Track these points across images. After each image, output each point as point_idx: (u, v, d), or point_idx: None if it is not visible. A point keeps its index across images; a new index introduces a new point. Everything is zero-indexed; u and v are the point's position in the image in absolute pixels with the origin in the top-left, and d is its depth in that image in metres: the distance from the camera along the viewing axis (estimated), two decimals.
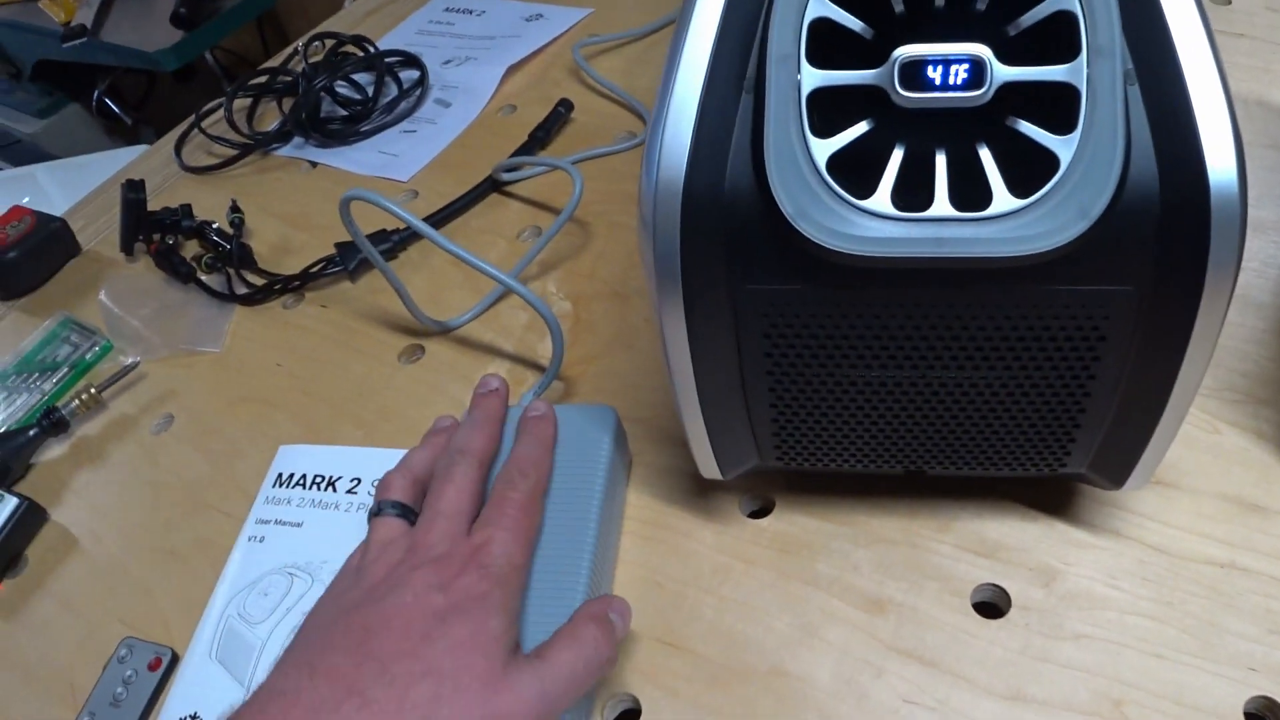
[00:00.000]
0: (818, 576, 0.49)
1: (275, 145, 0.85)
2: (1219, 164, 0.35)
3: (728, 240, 0.38)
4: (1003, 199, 0.36)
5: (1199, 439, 0.53)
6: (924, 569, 0.49)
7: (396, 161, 0.78)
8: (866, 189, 0.37)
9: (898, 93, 0.36)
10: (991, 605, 0.48)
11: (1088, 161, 0.35)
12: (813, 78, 0.37)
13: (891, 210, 0.36)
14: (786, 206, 0.36)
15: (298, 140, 0.84)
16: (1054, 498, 0.51)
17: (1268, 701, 0.44)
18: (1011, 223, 0.36)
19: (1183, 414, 0.41)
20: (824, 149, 0.36)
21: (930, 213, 0.36)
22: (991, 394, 0.41)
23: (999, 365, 0.40)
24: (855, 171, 0.37)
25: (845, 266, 0.37)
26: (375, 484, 0.58)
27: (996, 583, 0.48)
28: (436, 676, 0.39)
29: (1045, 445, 0.44)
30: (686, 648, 0.48)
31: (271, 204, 0.79)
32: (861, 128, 0.37)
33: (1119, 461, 0.45)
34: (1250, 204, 0.64)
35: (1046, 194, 0.36)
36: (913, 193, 0.36)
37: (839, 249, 0.36)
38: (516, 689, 0.40)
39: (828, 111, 0.37)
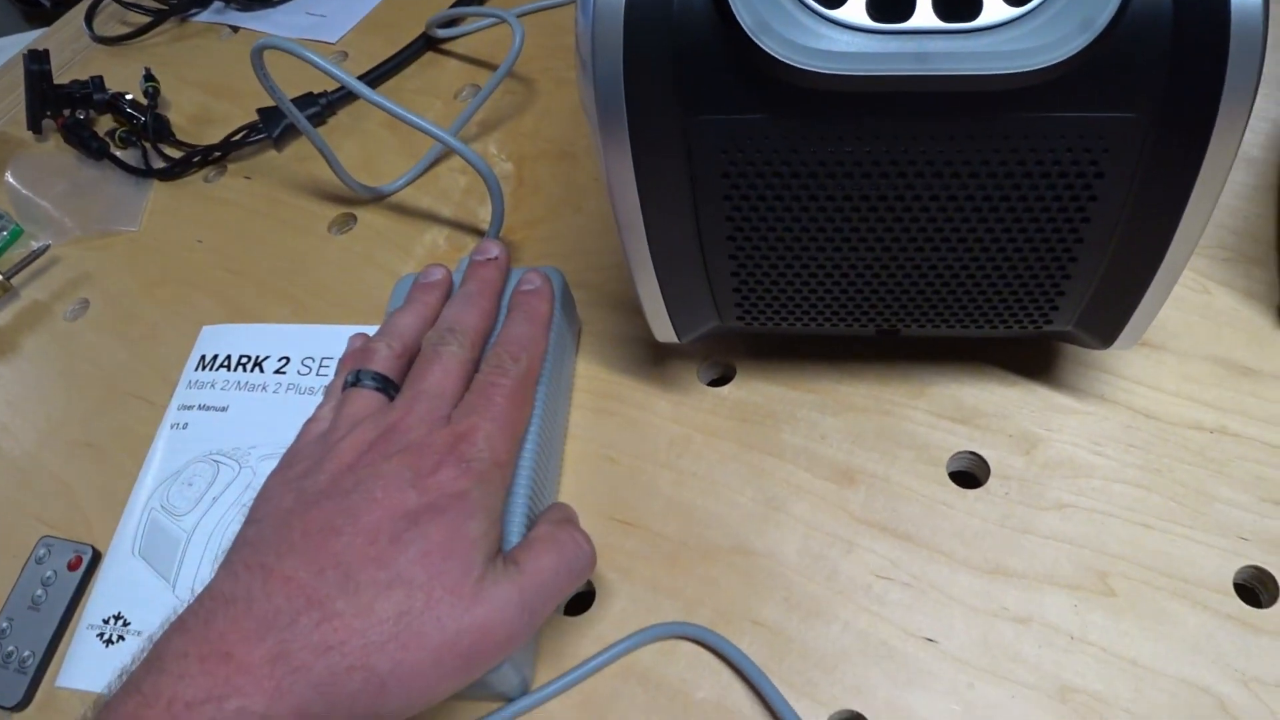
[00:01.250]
0: (783, 447, 0.46)
1: (193, 10, 0.78)
2: None
3: (677, 66, 0.34)
4: (994, 7, 0.32)
5: (1187, 299, 0.49)
6: (897, 437, 0.46)
7: (324, 22, 0.73)
8: None
9: None
10: (969, 475, 0.45)
11: None
12: None
13: (866, 21, 0.32)
14: (745, 19, 0.32)
15: (217, 4, 0.78)
16: (1035, 361, 0.47)
17: (1258, 572, 0.42)
18: (1004, 35, 0.32)
19: (1182, 264, 0.38)
20: None
21: (911, 24, 0.32)
22: (976, 239, 0.37)
23: (985, 205, 0.36)
24: None
25: (813, 89, 0.33)
26: (306, 361, 0.54)
27: (974, 451, 0.45)
28: (406, 587, 0.35)
29: (1032, 298, 0.40)
30: (643, 525, 0.44)
31: (190, 72, 0.73)
32: None
33: (1109, 318, 0.41)
34: None
35: (1044, 2, 0.32)
36: (891, 2, 0.32)
37: (806, 67, 0.32)
38: (494, 600, 0.36)
39: None
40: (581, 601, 0.43)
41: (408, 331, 0.46)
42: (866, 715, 0.39)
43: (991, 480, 0.44)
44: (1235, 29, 0.31)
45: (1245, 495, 0.43)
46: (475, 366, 0.44)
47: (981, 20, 0.32)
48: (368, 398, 0.43)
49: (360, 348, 0.46)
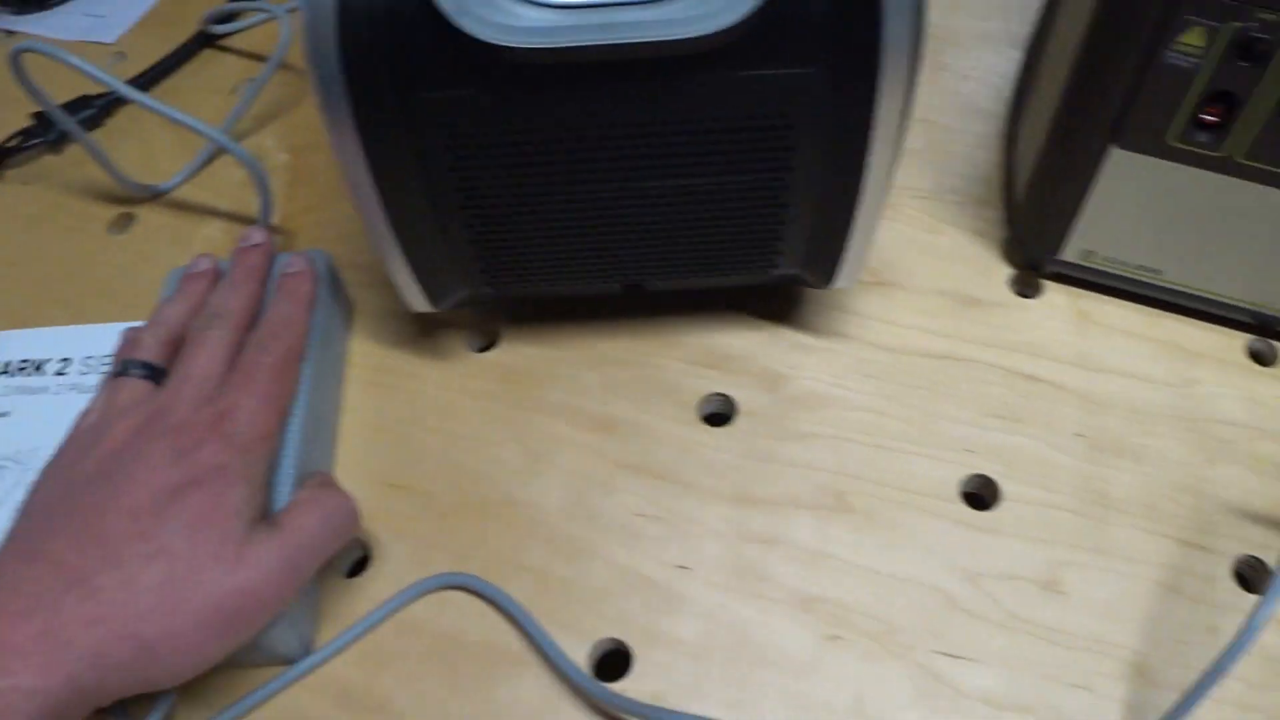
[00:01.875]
0: (545, 403, 0.48)
1: None
2: None
3: (392, 51, 0.36)
4: None
5: (919, 239, 0.53)
6: (652, 386, 0.49)
7: (102, 23, 0.72)
8: None
9: None
10: (720, 415, 0.49)
11: None
12: None
13: None
14: (446, 3, 0.34)
15: None
16: (780, 306, 0.51)
17: (983, 479, 0.46)
18: (681, 3, 0.35)
19: (879, 203, 0.41)
20: None
21: None
22: (691, 195, 0.40)
23: (691, 161, 0.39)
24: None
25: (514, 63, 0.35)
26: (88, 361, 0.54)
27: (724, 392, 0.48)
28: (168, 557, 0.36)
29: (754, 245, 0.43)
30: (415, 487, 0.46)
31: None
32: None
33: (827, 258, 0.44)
34: (977, 17, 0.65)
35: None
36: None
37: (503, 43, 0.34)
38: (258, 561, 0.37)
39: None
40: (359, 564, 0.45)
41: (174, 320, 0.47)
42: (626, 641, 0.42)
43: (739, 417, 0.47)
44: None
45: (969, 411, 0.47)
46: (241, 348, 0.45)
47: None
48: (134, 386, 0.44)
49: (126, 340, 0.47)
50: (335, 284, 0.50)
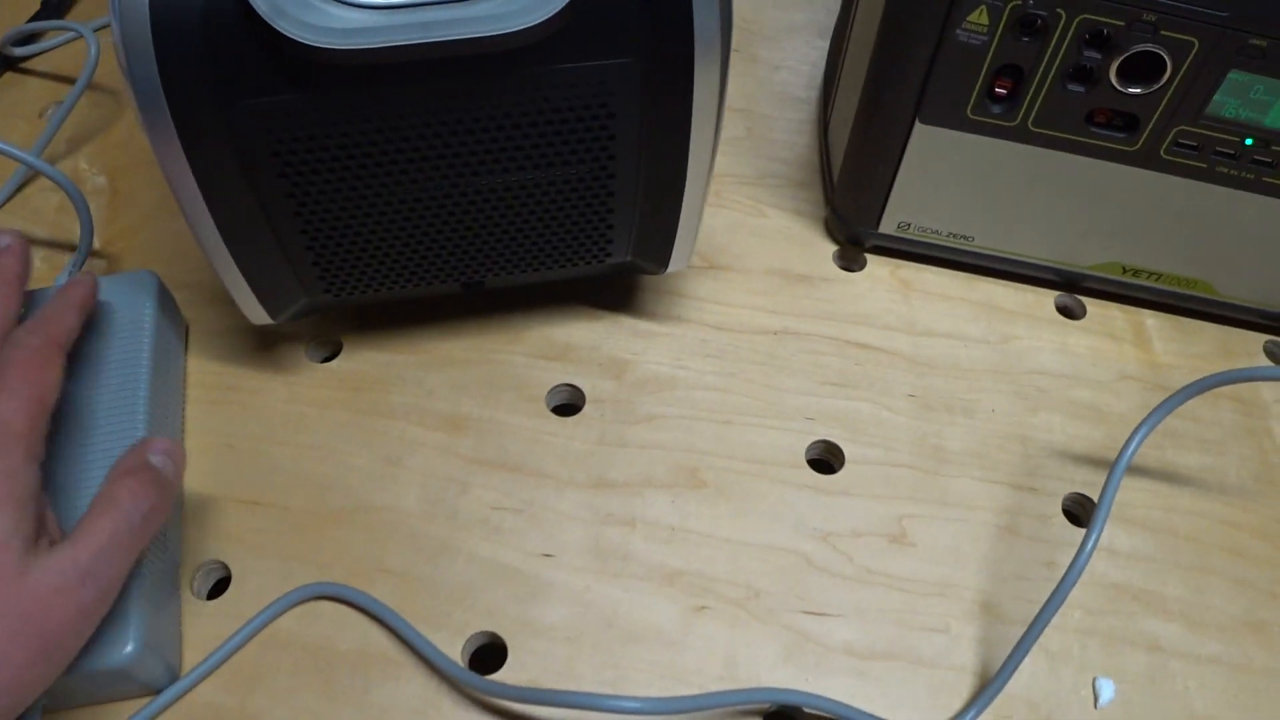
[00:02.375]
0: (393, 408, 0.48)
1: None
2: None
3: (210, 60, 0.35)
4: None
5: (746, 223, 0.55)
6: (498, 382, 0.49)
7: None
8: None
9: None
10: (569, 405, 0.50)
11: None
12: None
13: None
14: (261, 5, 0.34)
15: None
16: (617, 296, 0.52)
17: (827, 445, 0.48)
18: (496, 1, 0.36)
19: (703, 187, 0.43)
20: None
21: None
22: (522, 189, 0.41)
23: (518, 156, 0.40)
24: None
25: (332, 65, 0.35)
26: None
27: (570, 382, 0.49)
28: None
29: (587, 236, 0.44)
30: (269, 502, 0.46)
31: None
32: None
33: (658, 243, 0.46)
34: (784, 9, 0.68)
35: None
36: None
37: (321, 44, 0.34)
38: (46, 579, 0.35)
39: None
40: (220, 584, 0.44)
41: None
42: (499, 632, 0.42)
43: (587, 406, 0.49)
44: None
45: (807, 381, 0.50)
46: None
47: None
48: None
49: None
50: (165, 301, 0.49)
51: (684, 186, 0.42)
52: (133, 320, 0.47)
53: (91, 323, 0.46)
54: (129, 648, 0.38)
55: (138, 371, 0.45)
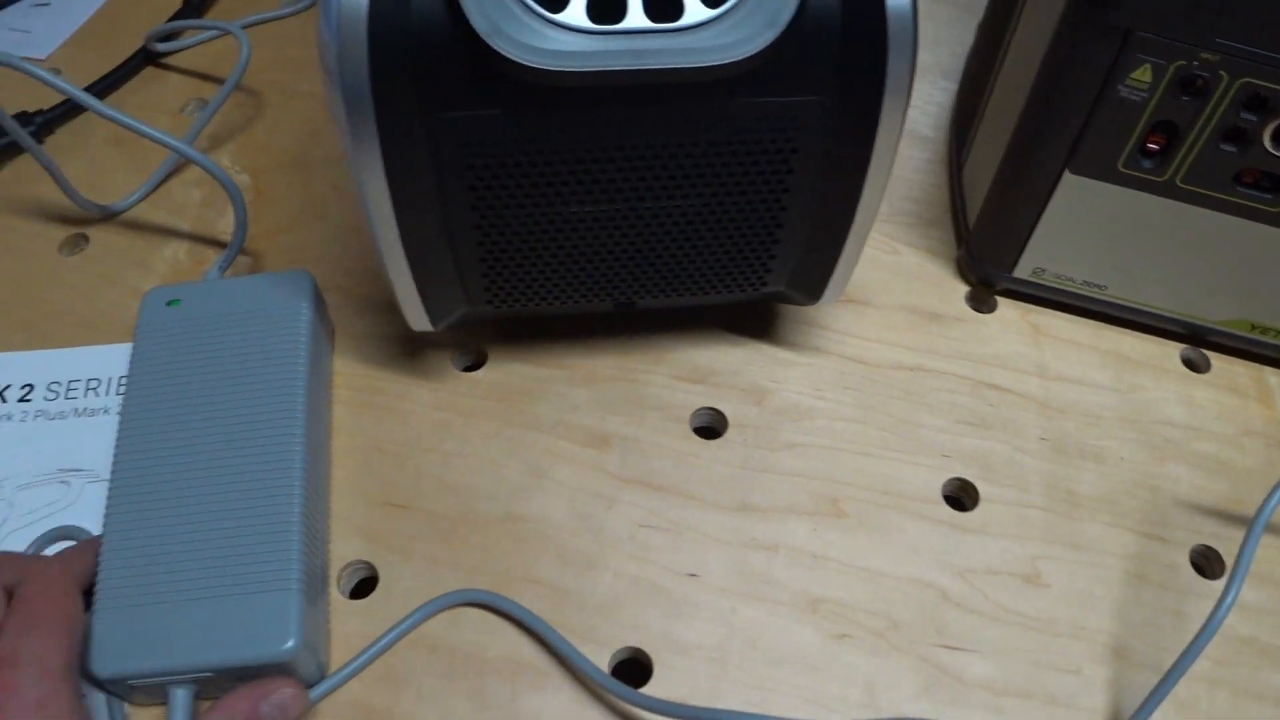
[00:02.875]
0: (540, 420, 0.49)
1: None
2: None
3: (419, 71, 0.36)
4: (695, 10, 0.36)
5: (881, 259, 0.56)
6: (642, 401, 0.50)
7: (30, 38, 0.70)
8: (560, 3, 0.36)
9: None
10: (710, 428, 0.50)
11: None
12: None
13: (586, 23, 0.36)
14: (479, 24, 0.35)
15: None
16: (757, 323, 0.53)
17: (961, 482, 0.49)
18: (705, 33, 0.37)
19: (870, 224, 0.44)
20: None
21: (625, 25, 0.36)
22: (696, 215, 0.42)
23: (701, 183, 0.41)
24: None
25: (542, 85, 0.36)
26: (53, 387, 0.53)
27: (712, 406, 0.50)
28: None
29: (749, 264, 0.45)
30: (416, 507, 0.47)
31: None
32: None
33: (815, 277, 0.47)
34: None
35: (736, 4, 0.37)
36: (607, 7, 0.36)
37: (535, 65, 0.35)
38: None
39: None
40: (362, 585, 0.45)
41: None
42: (644, 648, 0.43)
43: (730, 430, 0.49)
44: (891, 26, 0.37)
45: (943, 420, 0.50)
46: (7, 585, 0.40)
47: (685, 20, 0.36)
48: None
49: None
50: (318, 302, 0.50)
51: (851, 223, 0.43)
52: (289, 319, 0.48)
53: (249, 318, 0.47)
54: (290, 642, 0.39)
55: (295, 369, 0.46)
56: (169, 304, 0.48)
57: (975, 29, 0.65)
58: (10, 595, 0.39)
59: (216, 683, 0.40)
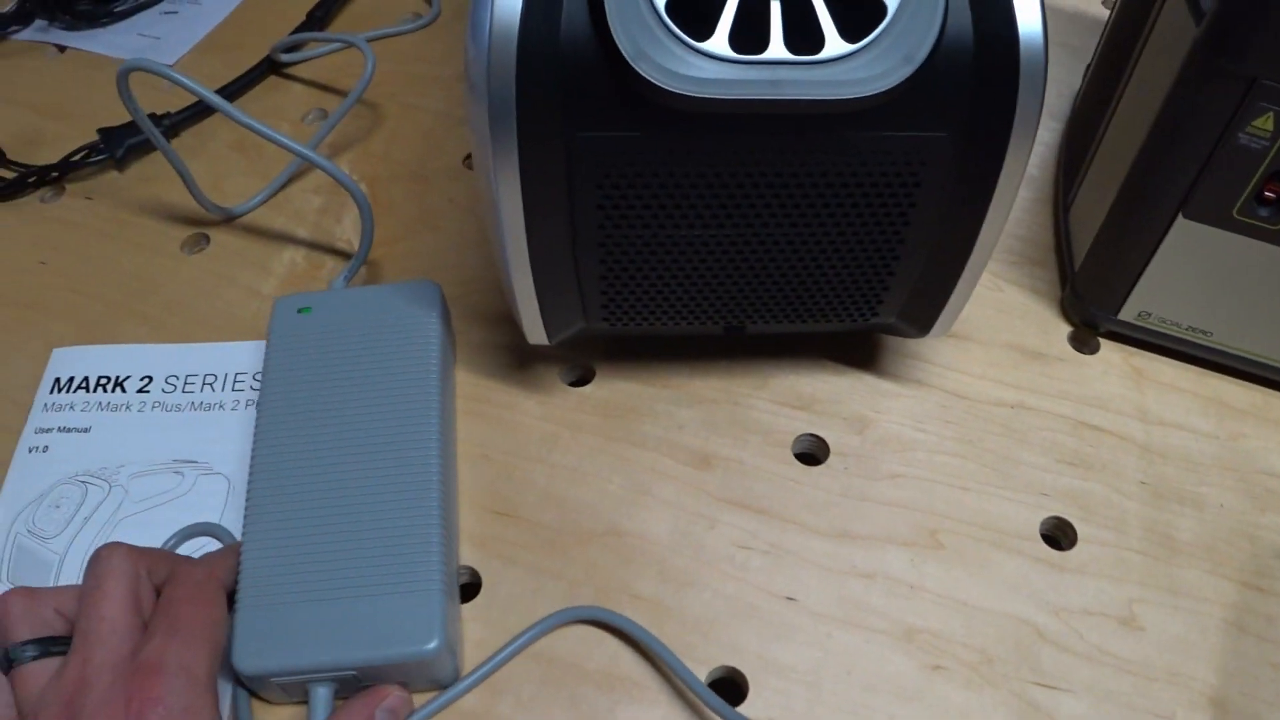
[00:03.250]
0: (644, 437, 0.50)
1: (13, 28, 0.76)
2: (1027, 19, 0.38)
3: (563, 90, 0.38)
4: (835, 43, 0.37)
5: (985, 296, 0.56)
6: (746, 424, 0.51)
7: (159, 45, 0.72)
8: (704, 32, 0.37)
9: None
10: (811, 455, 0.51)
11: (913, 9, 0.37)
12: None
13: (729, 53, 0.37)
14: (626, 48, 0.36)
15: (40, 23, 0.76)
16: (861, 353, 0.54)
17: (1059, 521, 0.49)
18: (843, 66, 0.37)
19: (985, 260, 0.44)
20: None
21: (766, 55, 0.37)
22: (816, 244, 0.43)
23: (825, 212, 0.41)
24: (694, 15, 0.37)
25: (683, 110, 0.37)
26: (171, 379, 0.55)
27: (815, 433, 0.51)
28: None
29: (862, 294, 0.46)
30: (521, 516, 0.48)
31: (15, 92, 0.71)
32: None
33: (927, 309, 0.47)
34: None
35: (875, 39, 0.37)
36: (749, 37, 0.37)
37: (677, 90, 0.36)
38: None
39: None
40: (468, 591, 0.46)
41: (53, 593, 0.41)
42: (741, 669, 0.44)
43: (831, 457, 0.50)
44: (1023, 65, 0.38)
45: (1043, 458, 0.50)
46: (154, 582, 0.41)
47: (824, 54, 0.37)
48: (34, 671, 0.38)
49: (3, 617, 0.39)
50: (446, 314, 0.51)
51: (968, 259, 0.44)
52: (419, 328, 0.49)
53: (380, 327, 0.49)
54: (434, 642, 0.40)
55: (429, 377, 0.47)
56: (300, 311, 0.50)
57: (1083, 71, 0.65)
58: (158, 592, 0.41)
59: (355, 681, 0.41)
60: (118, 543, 0.41)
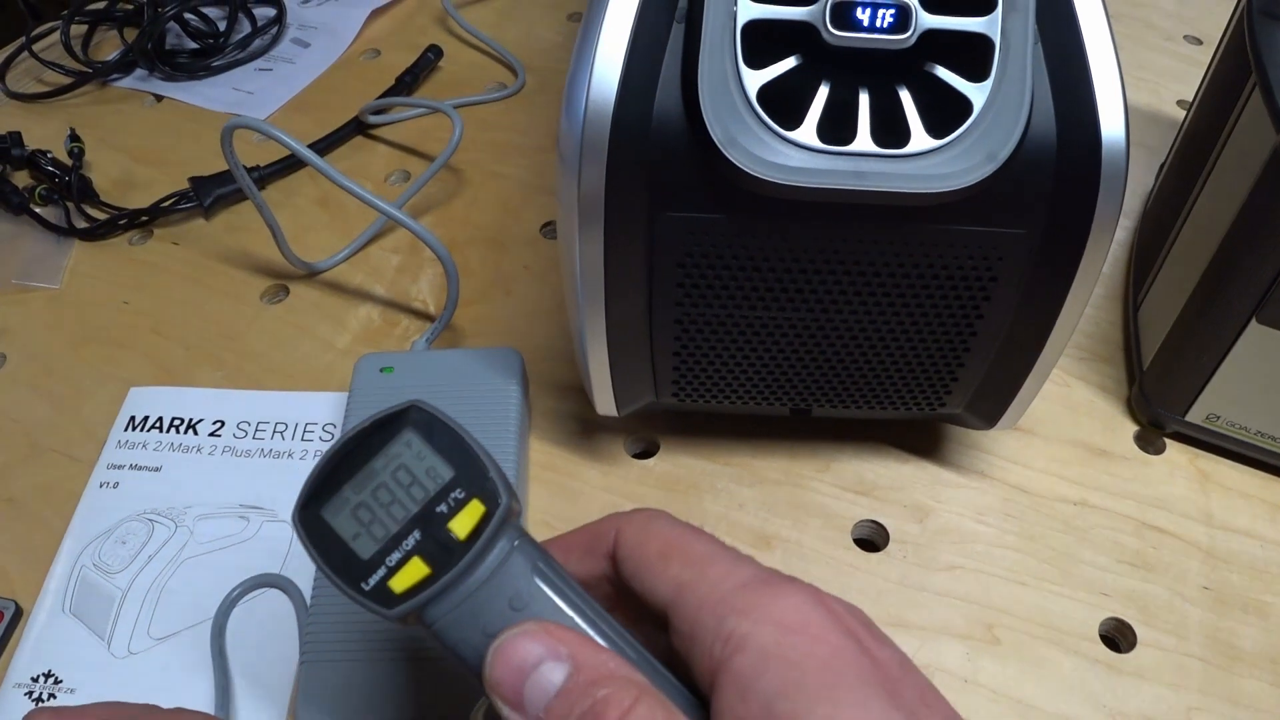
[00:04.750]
0: (705, 514, 0.51)
1: (115, 76, 0.79)
2: (1111, 123, 0.38)
3: (652, 171, 0.39)
4: (920, 138, 0.38)
5: (1052, 391, 0.56)
6: (806, 507, 0.51)
7: (252, 99, 0.75)
8: (793, 122, 0.38)
9: (828, 30, 0.37)
10: (870, 541, 0.51)
11: (998, 108, 0.38)
12: (748, 10, 0.37)
13: (816, 143, 0.38)
14: (717, 133, 0.37)
15: (140, 72, 0.79)
16: (925, 441, 0.54)
17: (1118, 622, 0.48)
18: (927, 161, 0.38)
19: (1057, 357, 0.44)
20: (755, 80, 0.37)
21: (852, 147, 0.38)
22: (890, 330, 0.43)
23: (899, 302, 0.42)
24: (783, 105, 0.38)
25: (770, 196, 0.38)
26: (243, 425, 0.56)
27: (875, 519, 0.51)
28: None
29: (931, 384, 0.46)
30: None
31: (112, 137, 0.74)
32: (791, 62, 0.38)
33: (995, 402, 0.47)
34: None
35: (959, 136, 0.38)
36: (837, 128, 0.38)
37: (766, 177, 0.37)
38: None
39: (759, 45, 0.38)
40: None
41: None
42: None
43: (891, 545, 0.50)
44: (1105, 167, 0.38)
45: (1104, 558, 0.50)
46: None
47: (909, 148, 0.38)
48: None
49: None
50: (525, 382, 0.52)
51: (1039, 354, 0.44)
52: (500, 395, 0.50)
53: (461, 392, 0.49)
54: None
55: (507, 447, 0.48)
56: (381, 370, 0.51)
57: (1157, 170, 0.65)
58: None
59: None
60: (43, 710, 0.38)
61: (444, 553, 0.30)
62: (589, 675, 0.28)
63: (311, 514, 0.31)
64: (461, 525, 0.30)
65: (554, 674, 0.28)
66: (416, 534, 0.30)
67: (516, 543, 0.31)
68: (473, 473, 0.31)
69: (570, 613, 0.31)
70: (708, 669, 0.29)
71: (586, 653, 0.29)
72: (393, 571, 0.30)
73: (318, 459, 0.31)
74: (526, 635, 0.29)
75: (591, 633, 0.30)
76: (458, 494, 0.31)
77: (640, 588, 0.32)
